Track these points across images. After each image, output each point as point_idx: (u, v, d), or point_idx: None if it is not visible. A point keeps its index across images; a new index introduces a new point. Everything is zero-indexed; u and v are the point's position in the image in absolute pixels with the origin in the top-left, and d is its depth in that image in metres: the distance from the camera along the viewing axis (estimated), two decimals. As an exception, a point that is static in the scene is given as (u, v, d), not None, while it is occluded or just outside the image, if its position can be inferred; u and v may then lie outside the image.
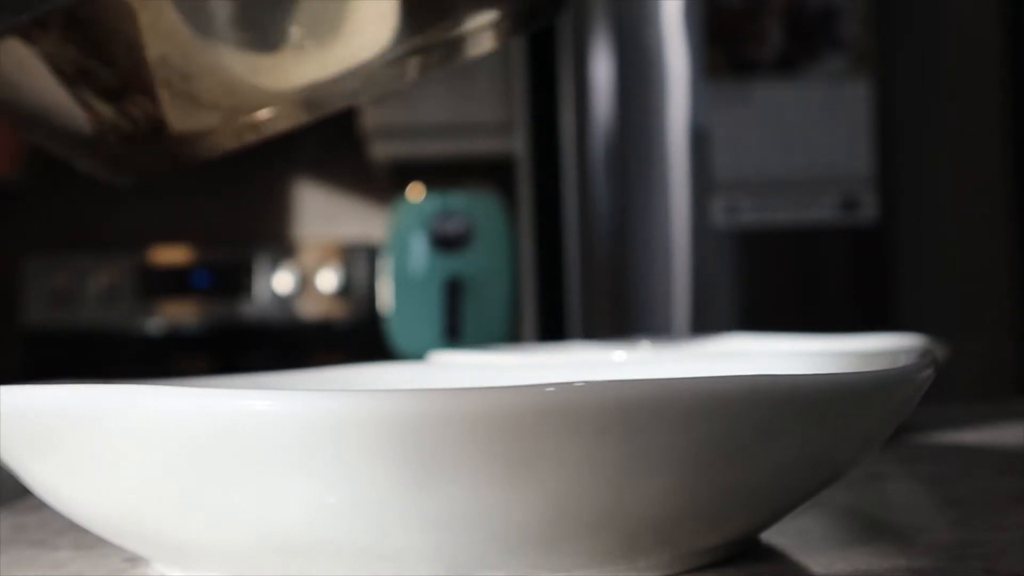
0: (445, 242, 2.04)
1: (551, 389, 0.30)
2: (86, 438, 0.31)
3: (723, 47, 1.62)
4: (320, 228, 2.48)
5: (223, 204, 2.43)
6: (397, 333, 2.04)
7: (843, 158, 1.64)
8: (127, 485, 0.32)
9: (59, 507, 0.35)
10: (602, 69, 1.68)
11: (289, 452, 0.29)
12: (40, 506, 0.46)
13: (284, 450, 0.29)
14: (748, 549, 0.37)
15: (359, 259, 2.33)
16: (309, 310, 2.27)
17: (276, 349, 2.26)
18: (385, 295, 2.10)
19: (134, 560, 0.38)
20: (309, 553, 0.31)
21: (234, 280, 2.31)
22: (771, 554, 0.37)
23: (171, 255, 2.36)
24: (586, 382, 0.30)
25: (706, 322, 1.67)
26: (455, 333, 1.98)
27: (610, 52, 1.68)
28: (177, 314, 2.33)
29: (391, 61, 0.44)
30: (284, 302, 2.26)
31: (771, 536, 0.38)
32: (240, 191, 2.43)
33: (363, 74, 0.44)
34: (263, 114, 0.44)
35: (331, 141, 2.36)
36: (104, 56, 0.41)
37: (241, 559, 0.32)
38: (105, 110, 0.43)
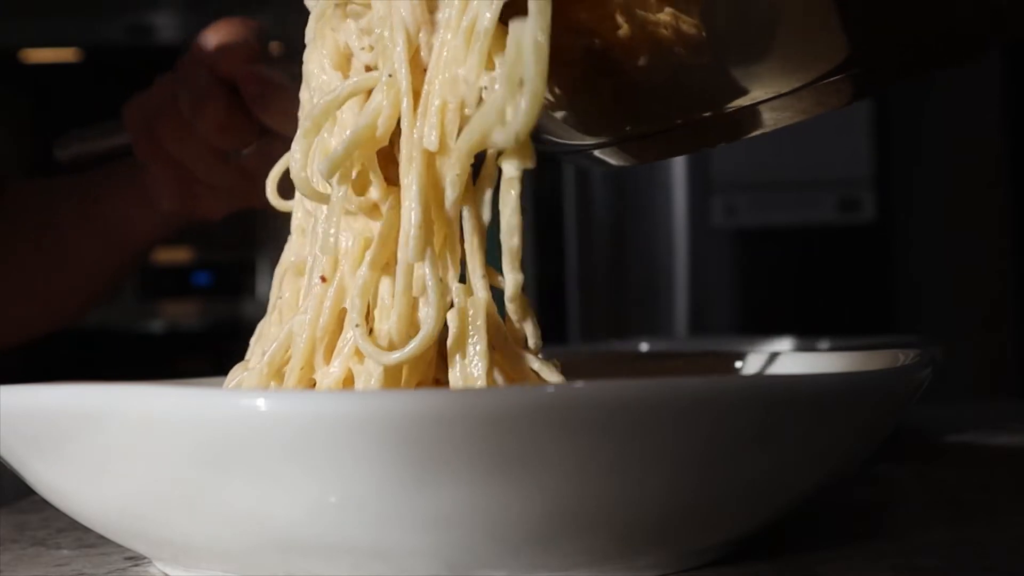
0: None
1: (551, 389, 0.30)
2: (86, 438, 0.31)
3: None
4: (320, 228, 2.46)
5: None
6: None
7: (842, 158, 1.64)
8: (128, 484, 0.32)
9: (60, 506, 0.35)
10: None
11: (289, 452, 0.29)
12: (42, 505, 0.46)
13: (284, 450, 0.29)
14: (747, 548, 0.37)
15: (359, 259, 2.32)
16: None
17: (276, 349, 2.25)
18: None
19: (135, 559, 0.38)
20: (309, 553, 0.31)
21: (235, 280, 2.31)
22: (770, 553, 0.37)
23: (172, 255, 2.36)
24: (586, 382, 0.30)
25: (705, 322, 1.67)
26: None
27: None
28: (178, 314, 2.33)
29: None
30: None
31: (771, 535, 0.38)
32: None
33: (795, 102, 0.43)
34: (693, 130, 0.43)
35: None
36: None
37: (241, 559, 0.32)
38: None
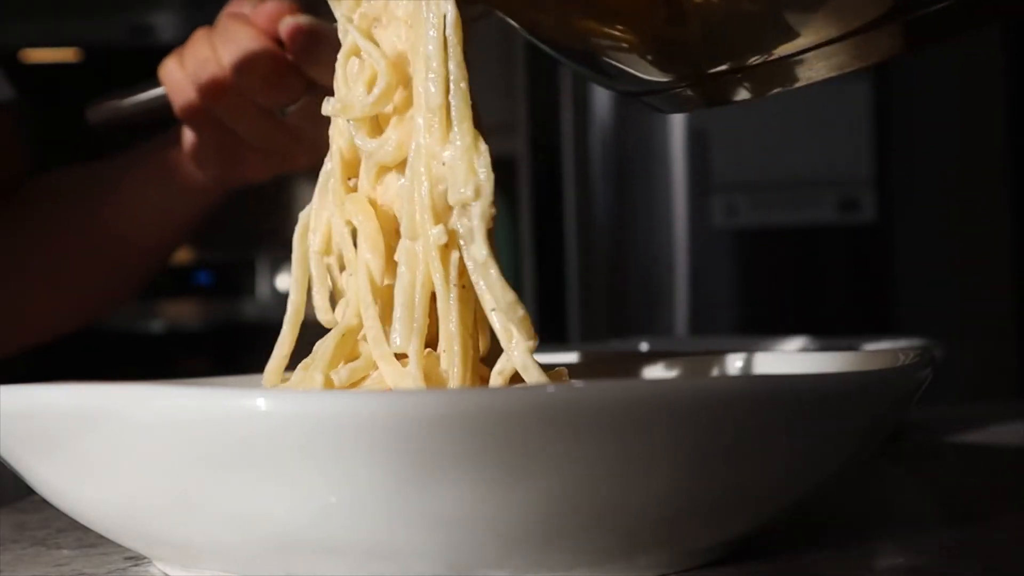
0: (445, 242, 2.03)
1: (551, 389, 0.30)
2: (86, 438, 0.31)
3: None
4: (320, 228, 2.47)
5: (225, 203, 2.42)
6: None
7: (843, 158, 1.64)
8: (128, 484, 0.32)
9: (60, 506, 0.35)
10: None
11: (290, 452, 0.29)
12: (42, 505, 0.46)
13: (285, 450, 0.29)
14: (747, 548, 0.37)
15: (360, 259, 2.32)
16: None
17: (277, 349, 2.25)
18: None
19: (135, 559, 0.38)
20: (309, 553, 0.31)
21: (236, 280, 2.31)
22: (770, 553, 0.37)
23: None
24: (586, 382, 0.30)
25: (706, 322, 1.67)
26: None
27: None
28: (179, 314, 2.33)
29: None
30: (286, 301, 2.26)
31: (770, 535, 0.38)
32: (242, 190, 2.42)
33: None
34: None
35: (331, 141, 2.36)
36: None
37: (241, 559, 0.32)
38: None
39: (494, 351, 0.38)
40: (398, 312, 0.37)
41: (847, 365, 0.46)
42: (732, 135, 1.65)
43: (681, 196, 1.68)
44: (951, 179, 1.66)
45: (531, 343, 0.36)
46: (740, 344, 0.75)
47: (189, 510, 0.31)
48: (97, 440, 0.31)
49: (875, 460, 0.56)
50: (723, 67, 0.43)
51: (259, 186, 0.69)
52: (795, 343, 0.72)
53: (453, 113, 0.38)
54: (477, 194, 0.36)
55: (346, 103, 0.40)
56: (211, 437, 0.29)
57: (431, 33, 0.38)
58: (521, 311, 0.36)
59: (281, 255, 2.25)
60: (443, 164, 0.37)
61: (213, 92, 0.61)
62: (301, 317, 0.42)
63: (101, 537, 0.37)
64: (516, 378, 0.37)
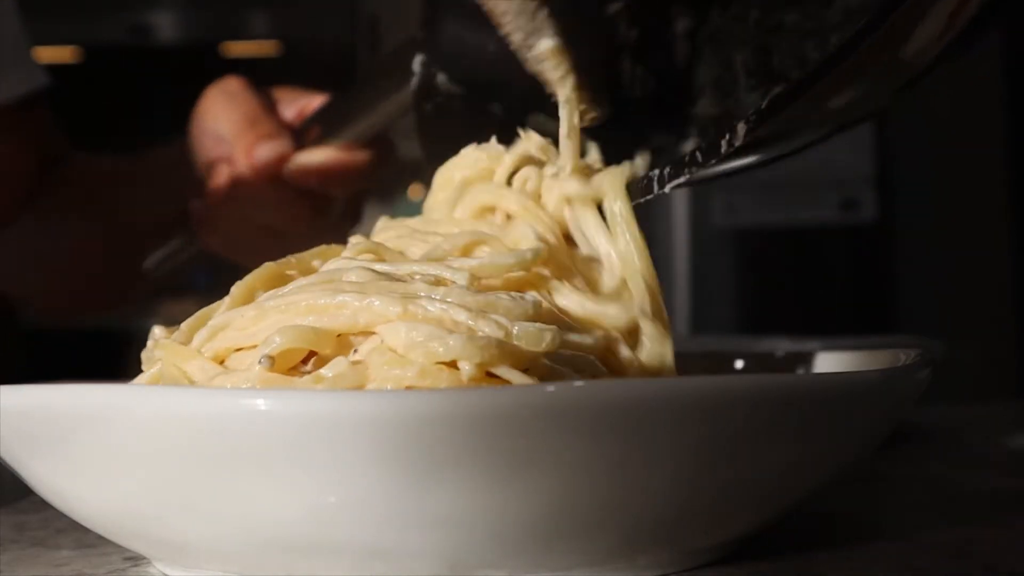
0: (445, 242, 2.03)
1: (551, 389, 0.30)
2: (86, 438, 0.31)
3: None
4: (320, 228, 2.47)
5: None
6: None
7: (843, 158, 1.64)
8: (128, 484, 0.32)
9: (60, 506, 0.35)
10: (602, 69, 1.68)
11: (289, 452, 0.29)
12: (42, 505, 0.46)
13: (284, 450, 0.29)
14: (748, 548, 0.37)
15: (359, 258, 2.32)
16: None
17: (276, 349, 2.25)
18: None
19: (135, 559, 0.38)
20: (309, 553, 0.31)
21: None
22: (771, 553, 0.37)
23: (171, 255, 2.35)
24: (586, 382, 0.30)
25: (706, 322, 1.67)
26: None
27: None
28: (178, 314, 2.33)
29: None
30: (284, 302, 2.25)
31: (771, 535, 0.38)
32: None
33: None
34: None
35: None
36: None
37: (241, 559, 0.32)
38: None
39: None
40: None
41: (847, 365, 0.46)
42: (732, 135, 1.65)
43: (681, 195, 1.68)
44: (951, 179, 1.66)
45: None
46: (740, 344, 0.75)
47: (188, 510, 0.31)
48: (97, 440, 0.31)
49: (875, 460, 0.56)
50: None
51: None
52: (795, 343, 0.71)
53: None
54: None
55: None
56: (211, 437, 0.29)
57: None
58: None
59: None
60: None
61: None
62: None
63: (101, 537, 0.37)
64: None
